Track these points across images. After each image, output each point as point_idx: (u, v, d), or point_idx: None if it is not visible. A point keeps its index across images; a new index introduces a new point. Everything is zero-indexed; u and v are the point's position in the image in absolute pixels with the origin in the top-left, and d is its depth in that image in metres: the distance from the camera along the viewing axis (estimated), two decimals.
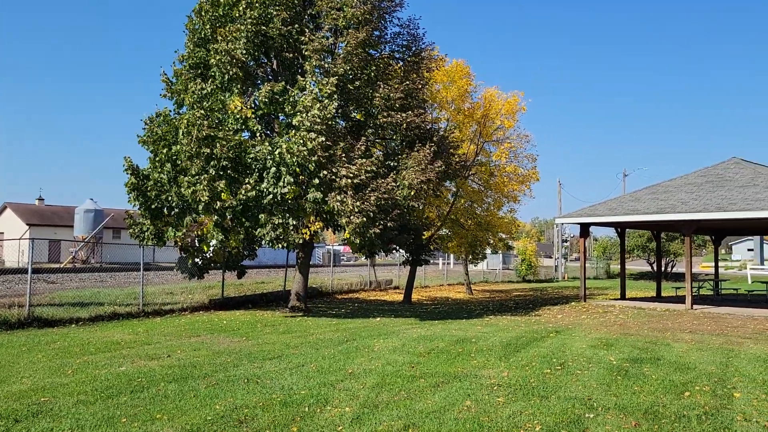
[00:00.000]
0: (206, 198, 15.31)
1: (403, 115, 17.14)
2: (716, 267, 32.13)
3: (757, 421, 6.82)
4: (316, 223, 16.21)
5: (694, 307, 20.27)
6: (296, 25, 17.11)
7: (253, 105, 16.66)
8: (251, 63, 17.45)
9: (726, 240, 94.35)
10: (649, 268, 50.46)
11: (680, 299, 22.49)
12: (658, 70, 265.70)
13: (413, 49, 19.40)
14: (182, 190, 15.94)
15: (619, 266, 29.24)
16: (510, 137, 26.81)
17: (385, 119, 17.07)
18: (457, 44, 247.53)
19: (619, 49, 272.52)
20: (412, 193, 16.31)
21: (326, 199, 15.39)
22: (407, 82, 17.92)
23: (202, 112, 16.27)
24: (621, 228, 26.12)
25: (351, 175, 15.23)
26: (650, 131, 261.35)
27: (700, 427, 6.63)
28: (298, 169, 15.17)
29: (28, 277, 15.21)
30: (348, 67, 16.52)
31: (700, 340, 12.65)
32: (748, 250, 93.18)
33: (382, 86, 17.15)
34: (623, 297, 25.16)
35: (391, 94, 17.02)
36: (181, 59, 18.26)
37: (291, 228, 15.70)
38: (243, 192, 15.47)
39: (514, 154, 27.04)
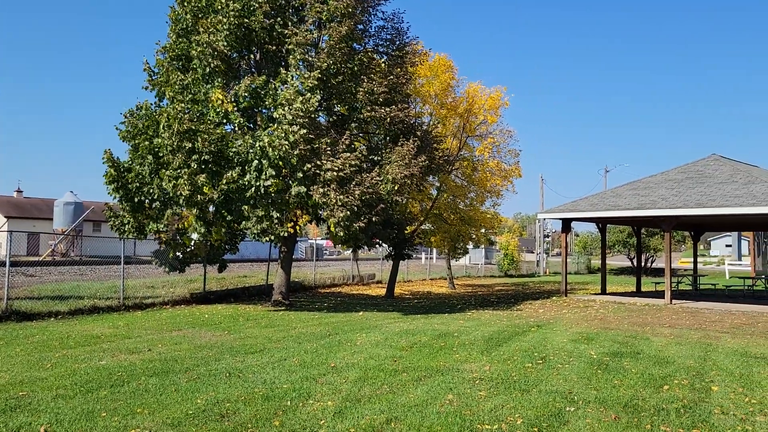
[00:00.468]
0: (187, 192, 15.19)
1: (387, 109, 17.11)
2: (695, 262, 32.53)
3: (734, 414, 6.92)
4: (304, 217, 16.16)
5: (673, 302, 20.50)
6: (279, 18, 16.98)
7: (233, 99, 16.50)
8: (234, 55, 17.29)
9: (705, 236, 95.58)
10: (629, 264, 50.94)
11: (659, 294, 22.75)
12: (643, 68, 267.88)
13: (397, 43, 19.35)
14: (163, 183, 15.81)
15: (599, 261, 29.50)
16: (493, 132, 26.85)
17: (368, 113, 17.03)
18: (447, 42, 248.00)
19: (609, 47, 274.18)
20: (396, 188, 16.31)
21: (310, 192, 15.34)
22: (391, 77, 17.88)
23: (183, 105, 16.11)
24: (602, 223, 26.35)
25: (336, 168, 15.19)
26: (632, 128, 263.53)
27: (678, 420, 6.72)
28: (281, 163, 15.09)
29: (6, 269, 15.01)
30: (331, 61, 16.44)
31: (678, 335, 12.81)
32: (727, 245, 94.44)
33: (365, 80, 17.10)
34: (604, 292, 25.39)
35: (375, 89, 16.98)
36: (163, 50, 18.05)
37: (276, 221, 15.64)
38: (224, 182, 15.37)
39: (497, 149, 27.08)
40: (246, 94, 16.09)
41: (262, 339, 11.92)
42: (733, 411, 7.05)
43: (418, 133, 18.51)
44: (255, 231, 15.71)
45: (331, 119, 17.92)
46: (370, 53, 18.53)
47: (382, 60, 19.12)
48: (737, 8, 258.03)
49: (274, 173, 15.19)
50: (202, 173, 15.46)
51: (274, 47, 17.12)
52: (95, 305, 16.39)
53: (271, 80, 16.61)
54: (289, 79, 16.02)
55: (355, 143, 17.90)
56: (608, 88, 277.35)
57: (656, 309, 18.59)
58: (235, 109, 16.46)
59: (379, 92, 17.04)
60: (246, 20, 16.40)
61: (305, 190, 15.28)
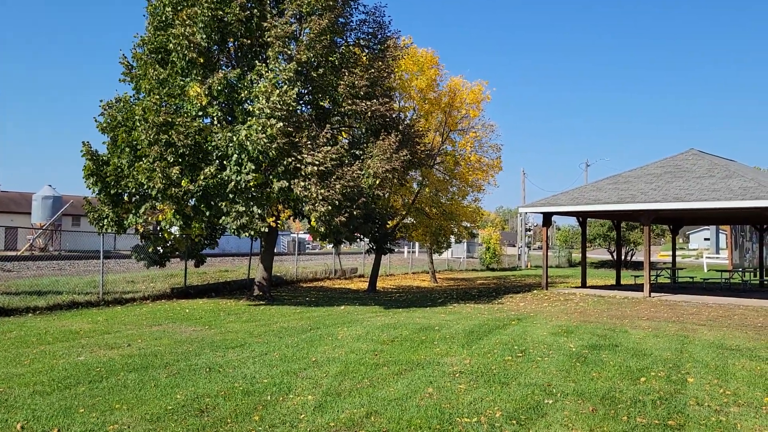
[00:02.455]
0: (161, 185, 15.06)
1: (368, 103, 17.07)
2: (674, 256, 32.95)
3: (709, 405, 7.03)
4: (286, 211, 16.07)
5: (652, 294, 20.73)
6: (256, 11, 16.81)
7: (206, 92, 16.29)
8: (214, 48, 17.13)
9: (684, 229, 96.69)
10: (609, 257, 51.43)
11: (639, 287, 23.00)
12: (623, 63, 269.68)
13: (379, 36, 19.30)
14: (139, 177, 15.67)
15: (580, 255, 29.73)
16: (475, 126, 26.95)
17: (349, 107, 16.97)
18: (431, 36, 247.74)
19: (596, 42, 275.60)
20: (378, 182, 16.29)
21: (291, 186, 15.27)
22: (372, 71, 17.82)
23: (158, 97, 15.95)
24: (582, 217, 26.55)
25: (316, 162, 15.13)
26: (613, 122, 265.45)
27: (654, 411, 6.81)
28: (260, 156, 15.00)
29: None
30: (312, 54, 16.35)
31: (656, 327, 12.96)
32: (705, 239, 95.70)
33: (346, 74, 17.04)
34: (584, 285, 25.61)
35: (356, 82, 16.92)
36: (141, 43, 17.82)
37: (256, 216, 15.54)
38: (202, 178, 15.26)
39: (479, 144, 27.19)
40: (219, 87, 15.94)
41: (243, 334, 11.89)
42: (708, 402, 7.16)
43: (400, 127, 18.51)
44: (234, 227, 15.62)
45: (312, 113, 17.84)
46: (351, 47, 18.45)
47: (364, 54, 19.07)
48: (725, 6, 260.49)
49: (254, 167, 15.10)
50: (177, 166, 15.31)
51: (249, 41, 16.96)
52: (74, 300, 16.23)
53: (248, 73, 16.47)
54: (264, 72, 15.87)
55: (337, 137, 17.85)
56: (590, 84, 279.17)
57: (635, 302, 18.80)
58: (214, 102, 16.30)
59: (360, 86, 16.99)
60: (221, 12, 16.21)
61: (287, 184, 15.20)
